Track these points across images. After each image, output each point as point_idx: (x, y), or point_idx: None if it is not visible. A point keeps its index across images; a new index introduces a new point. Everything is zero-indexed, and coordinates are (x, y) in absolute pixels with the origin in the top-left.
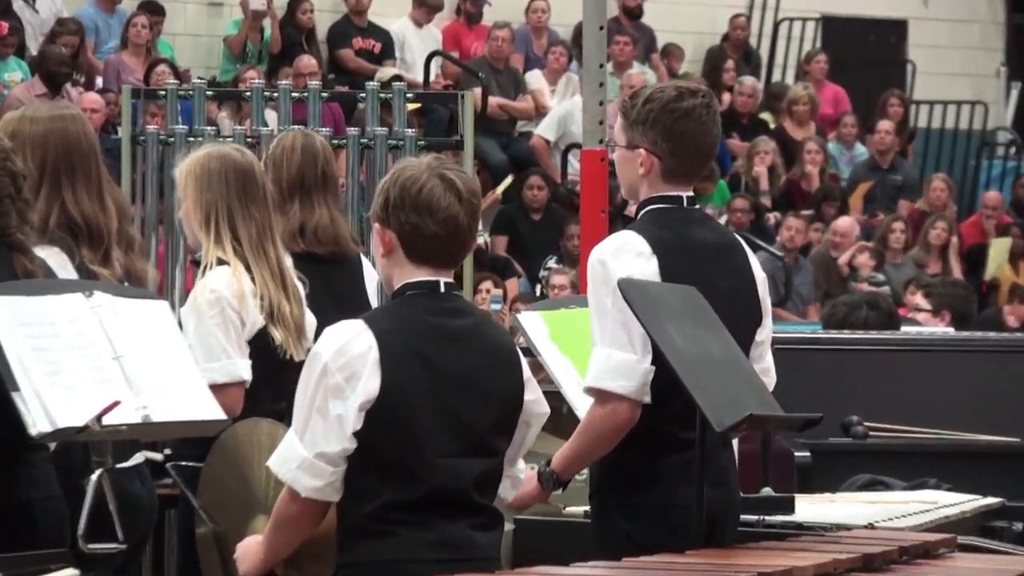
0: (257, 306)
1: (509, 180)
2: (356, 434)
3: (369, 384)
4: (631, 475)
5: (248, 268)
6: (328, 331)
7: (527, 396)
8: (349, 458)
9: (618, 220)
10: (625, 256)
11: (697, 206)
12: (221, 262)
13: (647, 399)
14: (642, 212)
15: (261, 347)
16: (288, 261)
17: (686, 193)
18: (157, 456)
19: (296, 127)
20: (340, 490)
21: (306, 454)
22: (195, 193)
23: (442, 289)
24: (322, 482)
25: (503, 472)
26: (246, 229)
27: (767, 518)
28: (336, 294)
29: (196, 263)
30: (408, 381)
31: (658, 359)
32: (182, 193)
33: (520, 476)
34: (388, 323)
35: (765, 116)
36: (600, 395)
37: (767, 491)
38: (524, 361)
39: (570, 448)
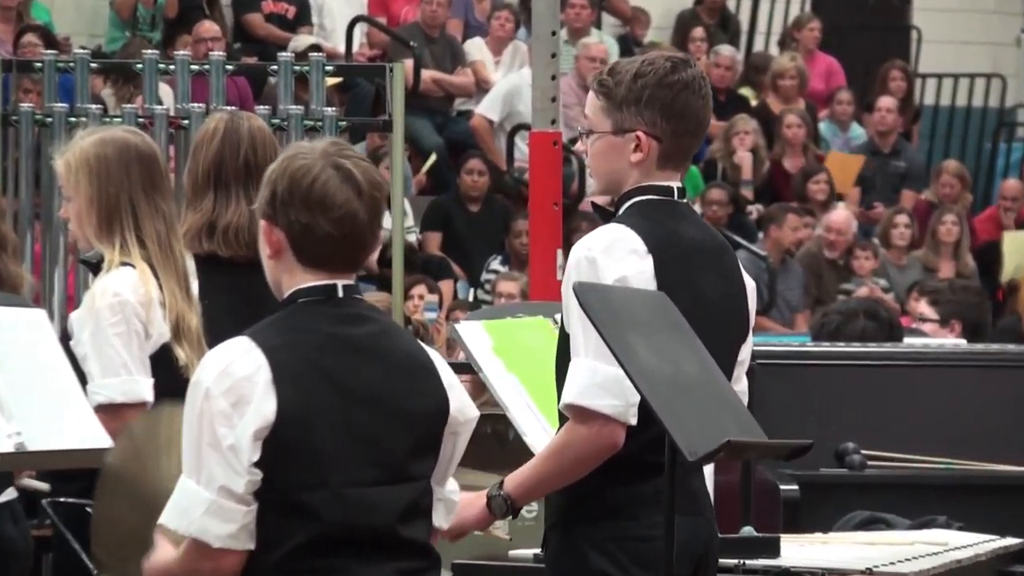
0: (163, 316)
1: (433, 159)
2: (256, 466)
3: (262, 407)
4: (606, 503)
5: (155, 273)
6: (209, 353)
7: (452, 404)
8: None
9: (573, 214)
10: (617, 253)
11: (686, 200)
12: (125, 264)
13: (634, 421)
14: (629, 203)
15: (163, 365)
16: (190, 264)
17: (676, 184)
18: (43, 486)
19: (230, 108)
20: (254, 535)
21: (210, 496)
22: (90, 188)
23: (340, 293)
24: (235, 526)
25: (434, 496)
26: (152, 227)
27: (748, 562)
28: (260, 308)
29: (85, 263)
30: (308, 402)
31: None
32: (71, 189)
33: (454, 498)
34: (279, 337)
35: (745, 92)
36: (582, 414)
37: (748, 530)
38: (442, 365)
39: (534, 471)
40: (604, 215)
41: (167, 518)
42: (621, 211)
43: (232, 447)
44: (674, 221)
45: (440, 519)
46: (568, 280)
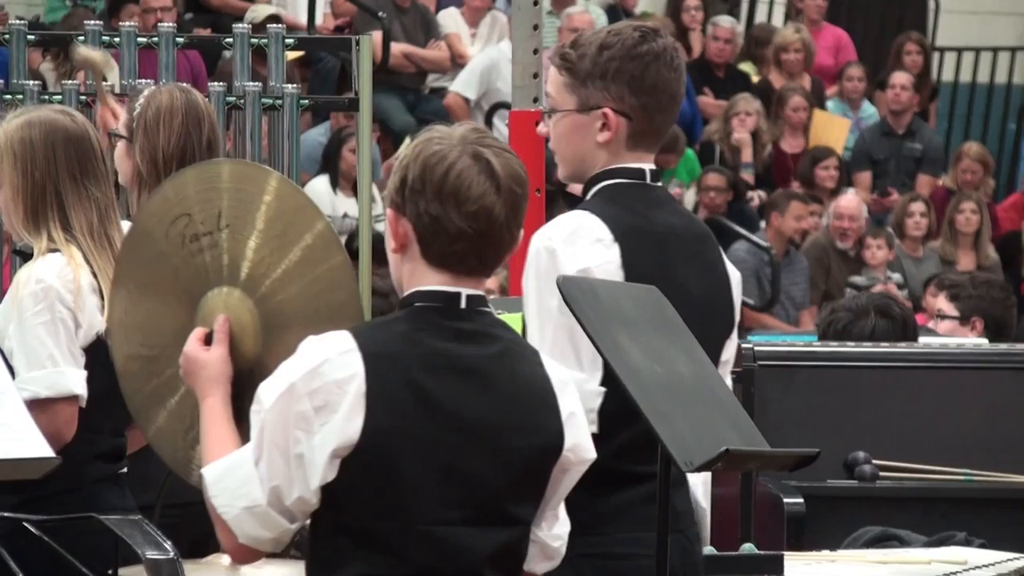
0: (97, 305)
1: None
2: (326, 487)
3: (348, 425)
4: (572, 517)
5: (87, 259)
6: (304, 344)
7: (567, 443)
8: (317, 513)
9: (558, 201)
10: (580, 242)
11: (660, 183)
12: (53, 251)
13: (594, 428)
14: (596, 188)
15: (99, 359)
16: None
17: (649, 166)
18: None
19: (174, 84)
20: (284, 545)
21: (259, 498)
22: (15, 176)
23: (463, 304)
24: (270, 535)
25: (529, 539)
26: (83, 215)
27: None
28: None
29: (20, 254)
30: (399, 426)
31: (609, 378)
32: None
33: (554, 544)
34: (384, 344)
35: (746, 67)
36: None
37: (749, 547)
38: (567, 395)
39: None
40: (572, 203)
41: (212, 476)
42: (587, 196)
43: (300, 457)
44: (646, 206)
45: (533, 563)
46: (526, 273)
